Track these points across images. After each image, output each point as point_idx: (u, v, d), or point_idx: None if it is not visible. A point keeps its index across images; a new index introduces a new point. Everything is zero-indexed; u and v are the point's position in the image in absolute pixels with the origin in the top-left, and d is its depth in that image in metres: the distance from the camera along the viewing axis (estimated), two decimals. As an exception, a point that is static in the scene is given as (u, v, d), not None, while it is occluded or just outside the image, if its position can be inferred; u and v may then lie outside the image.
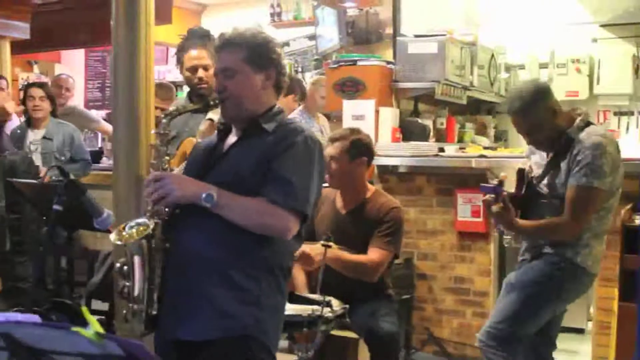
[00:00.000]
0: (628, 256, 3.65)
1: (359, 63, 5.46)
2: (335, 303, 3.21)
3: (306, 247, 3.25)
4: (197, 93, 3.84)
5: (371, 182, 4.05)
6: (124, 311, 2.31)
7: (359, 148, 3.70)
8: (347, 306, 3.29)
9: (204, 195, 2.24)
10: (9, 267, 5.12)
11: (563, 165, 3.20)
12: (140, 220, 2.30)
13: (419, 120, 5.62)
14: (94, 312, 4.33)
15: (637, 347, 3.27)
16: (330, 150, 3.66)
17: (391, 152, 5.12)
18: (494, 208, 3.22)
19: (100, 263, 4.51)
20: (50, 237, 2.18)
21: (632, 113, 6.80)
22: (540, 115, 3.21)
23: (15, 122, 6.14)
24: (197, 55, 3.81)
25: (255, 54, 2.41)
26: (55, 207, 2.01)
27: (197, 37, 3.91)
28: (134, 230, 2.28)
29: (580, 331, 5.29)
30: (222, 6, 8.96)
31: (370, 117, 5.23)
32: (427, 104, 5.96)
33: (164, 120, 2.44)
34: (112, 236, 2.30)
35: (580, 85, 6.76)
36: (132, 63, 3.41)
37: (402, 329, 4.34)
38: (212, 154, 2.50)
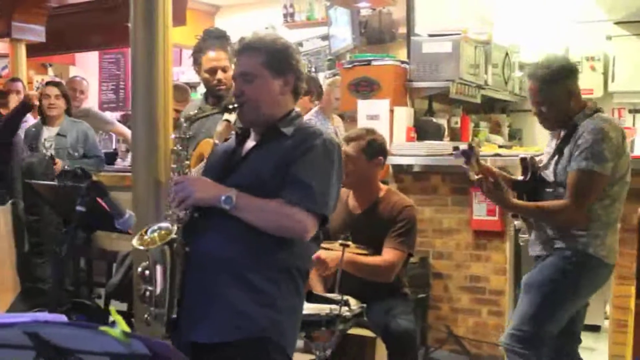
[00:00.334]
0: (645, 254, 3.64)
1: (374, 63, 5.46)
2: (353, 302, 3.23)
3: (322, 253, 3.26)
4: (215, 94, 3.85)
5: (386, 182, 4.07)
6: (146, 315, 2.33)
7: (375, 148, 3.71)
8: (365, 305, 3.30)
9: (223, 198, 2.25)
10: (27, 268, 5.17)
11: (566, 150, 3.22)
12: (162, 224, 2.32)
13: (434, 120, 5.62)
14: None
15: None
16: (347, 149, 3.66)
17: (406, 151, 5.12)
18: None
19: (119, 263, 4.54)
20: (73, 238, 2.20)
21: (647, 110, 6.78)
22: (557, 92, 3.23)
23: (30, 121, 6.20)
24: (215, 56, 3.82)
25: (274, 59, 2.42)
26: (79, 208, 2.03)
27: (214, 37, 3.92)
28: (155, 234, 2.30)
29: (596, 328, 5.27)
30: (236, 7, 8.97)
31: (385, 117, 5.23)
32: (441, 103, 5.96)
33: (184, 125, 2.46)
34: (134, 241, 2.31)
35: (595, 83, 6.73)
36: (151, 65, 3.43)
37: (419, 327, 4.35)
38: (231, 158, 2.50)
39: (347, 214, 3.74)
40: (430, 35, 5.54)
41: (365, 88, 5.37)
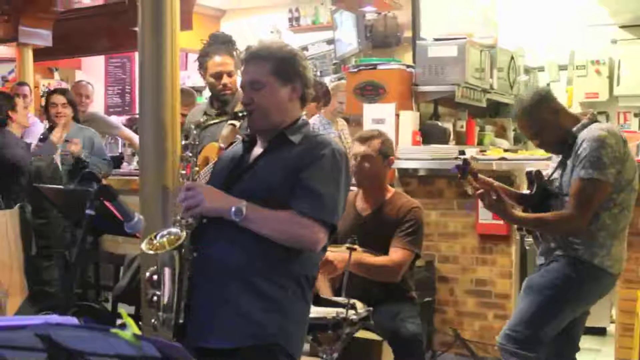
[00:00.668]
0: (651, 258, 3.64)
1: (379, 67, 5.47)
2: (359, 305, 3.24)
3: (329, 254, 3.28)
4: (220, 99, 3.87)
5: (392, 186, 4.08)
6: (153, 320, 2.33)
7: (388, 148, 3.78)
8: (371, 308, 3.31)
9: (233, 210, 2.26)
10: (35, 271, 5.19)
11: (569, 163, 3.22)
12: (172, 229, 2.33)
13: (439, 124, 5.64)
14: (120, 315, 4.38)
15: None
16: (363, 149, 3.70)
17: (411, 155, 5.13)
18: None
19: (126, 267, 4.56)
20: (83, 241, 2.22)
21: (653, 114, 6.78)
22: (542, 117, 3.27)
23: (39, 128, 6.22)
24: (221, 61, 3.84)
25: (281, 67, 2.43)
26: (88, 211, 2.05)
27: (220, 42, 3.94)
28: (164, 239, 2.31)
29: (602, 331, 5.27)
30: (241, 11, 9.00)
31: (391, 121, 5.24)
32: (447, 107, 5.97)
33: (194, 132, 2.47)
34: (143, 245, 2.32)
35: (600, 86, 6.74)
36: (158, 70, 3.44)
37: (425, 331, 4.36)
38: (238, 165, 2.51)
39: (356, 217, 3.76)
40: (436, 39, 5.55)
41: (371, 92, 5.39)
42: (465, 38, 5.43)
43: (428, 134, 5.43)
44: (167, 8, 3.45)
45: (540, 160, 4.46)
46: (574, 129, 3.24)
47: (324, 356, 3.15)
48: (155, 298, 2.32)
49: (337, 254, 3.35)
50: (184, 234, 2.31)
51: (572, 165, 3.18)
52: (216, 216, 2.32)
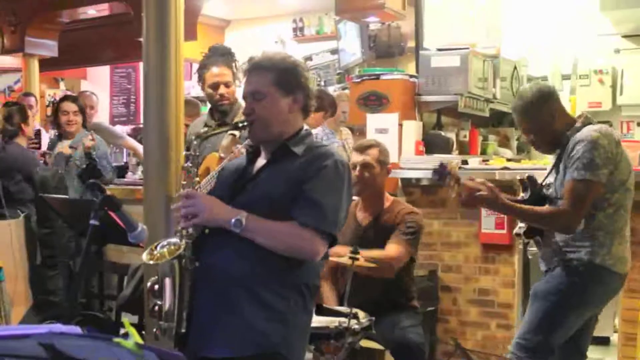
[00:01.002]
0: (653, 267, 3.64)
1: (382, 77, 5.49)
2: (362, 315, 3.25)
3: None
4: (219, 109, 3.91)
5: (395, 195, 4.10)
6: (155, 329, 2.35)
7: (386, 156, 3.83)
8: (373, 318, 3.32)
9: (233, 221, 2.28)
10: (40, 280, 5.21)
11: (562, 165, 3.25)
12: (172, 240, 2.35)
13: (442, 133, 5.65)
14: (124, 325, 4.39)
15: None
16: (362, 158, 3.73)
17: (415, 165, 5.14)
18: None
19: (130, 276, 4.57)
20: (87, 251, 2.23)
21: (656, 124, 6.77)
22: (540, 117, 3.29)
23: (44, 138, 6.25)
24: (218, 72, 3.88)
25: (283, 77, 2.44)
26: (92, 221, 2.07)
27: (219, 54, 3.98)
28: (165, 249, 2.32)
29: (605, 340, 5.26)
30: (246, 22, 9.02)
31: (394, 131, 5.26)
32: (450, 117, 5.98)
33: (194, 143, 2.49)
34: (144, 256, 2.34)
35: (603, 96, 6.73)
36: (163, 80, 3.47)
37: (427, 340, 4.36)
38: (242, 176, 2.52)
39: (356, 226, 3.78)
40: (439, 49, 5.57)
41: (374, 102, 5.41)
42: (468, 48, 5.44)
43: (431, 144, 5.44)
44: (171, 19, 3.48)
45: (542, 170, 4.46)
46: (568, 131, 3.26)
47: (327, 365, 3.16)
48: (156, 307, 2.34)
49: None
50: (184, 243, 2.33)
51: (565, 167, 3.21)
52: (216, 227, 2.33)
